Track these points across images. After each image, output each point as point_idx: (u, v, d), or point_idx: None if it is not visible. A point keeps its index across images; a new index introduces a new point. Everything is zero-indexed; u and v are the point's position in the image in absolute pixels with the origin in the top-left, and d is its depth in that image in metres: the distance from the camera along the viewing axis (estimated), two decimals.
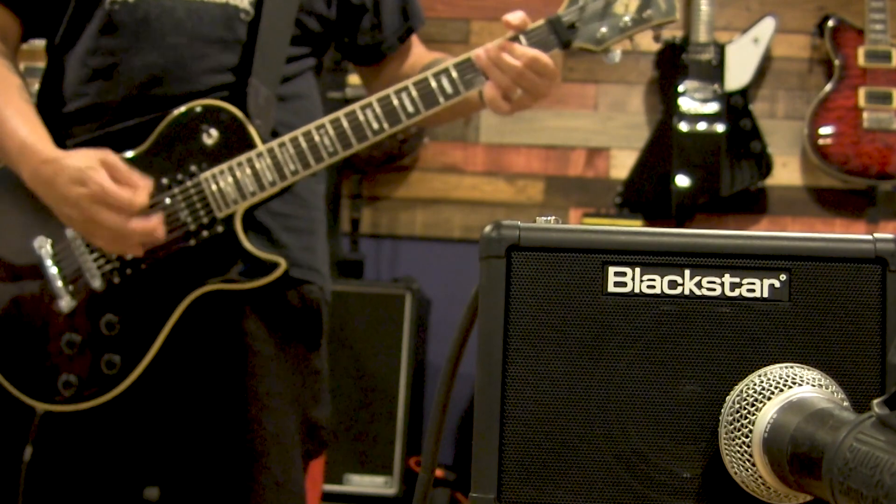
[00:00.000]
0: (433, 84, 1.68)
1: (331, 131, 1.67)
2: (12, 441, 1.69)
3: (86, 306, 1.67)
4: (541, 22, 1.69)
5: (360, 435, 3.29)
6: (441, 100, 1.68)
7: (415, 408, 3.42)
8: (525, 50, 1.64)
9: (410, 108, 1.68)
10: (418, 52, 1.93)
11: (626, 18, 1.70)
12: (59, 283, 1.67)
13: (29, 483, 1.67)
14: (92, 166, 1.59)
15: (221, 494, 1.69)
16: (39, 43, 1.84)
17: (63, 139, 1.68)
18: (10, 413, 1.69)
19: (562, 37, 1.69)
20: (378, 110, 1.68)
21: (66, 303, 1.67)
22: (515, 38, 1.67)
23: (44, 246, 1.69)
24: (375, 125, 1.68)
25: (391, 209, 3.83)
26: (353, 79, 3.44)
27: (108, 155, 1.61)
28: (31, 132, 1.64)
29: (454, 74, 1.68)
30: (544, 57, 1.64)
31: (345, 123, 1.67)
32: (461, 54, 1.70)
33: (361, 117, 1.67)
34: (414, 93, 1.67)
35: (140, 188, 1.62)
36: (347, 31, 1.86)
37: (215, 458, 1.70)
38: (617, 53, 1.71)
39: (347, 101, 3.49)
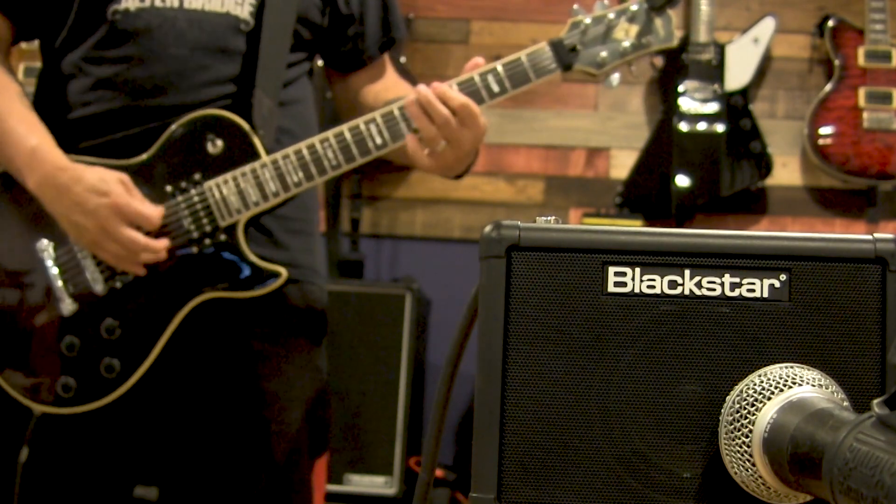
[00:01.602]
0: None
1: (334, 144, 1.68)
2: (9, 442, 1.69)
3: (87, 310, 1.67)
4: (543, 44, 1.70)
5: (360, 435, 3.29)
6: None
7: (415, 408, 3.41)
8: (456, 95, 1.64)
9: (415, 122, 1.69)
10: (390, 77, 1.94)
11: (626, 44, 1.72)
12: (61, 286, 1.68)
13: (24, 484, 1.67)
14: (112, 180, 1.62)
15: (228, 493, 1.70)
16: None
17: (67, 146, 1.69)
18: (7, 413, 1.70)
19: (563, 59, 1.71)
20: (381, 125, 1.69)
21: (67, 306, 1.67)
22: (517, 62, 1.68)
23: (46, 249, 1.69)
24: (378, 140, 1.69)
25: (391, 209, 3.83)
26: None
27: (125, 177, 1.64)
28: (41, 140, 1.65)
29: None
30: (473, 105, 1.64)
31: (348, 136, 1.68)
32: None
33: (364, 131, 1.69)
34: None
35: (153, 211, 1.64)
36: (334, 38, 1.87)
37: (222, 458, 1.71)
38: (616, 77, 1.74)
39: None
